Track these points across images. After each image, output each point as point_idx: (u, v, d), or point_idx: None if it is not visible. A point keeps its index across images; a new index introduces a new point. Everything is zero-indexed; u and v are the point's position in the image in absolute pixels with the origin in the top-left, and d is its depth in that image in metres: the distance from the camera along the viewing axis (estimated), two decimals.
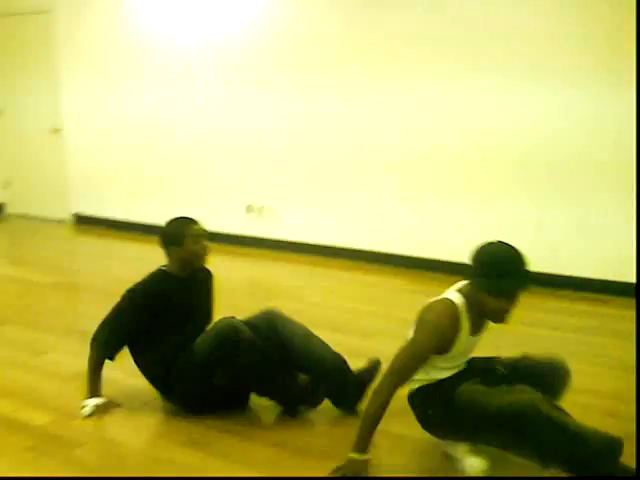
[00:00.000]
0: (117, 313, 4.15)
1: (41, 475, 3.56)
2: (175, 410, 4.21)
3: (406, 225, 7.05)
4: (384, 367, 3.57)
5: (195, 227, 4.25)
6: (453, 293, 3.41)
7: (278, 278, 6.98)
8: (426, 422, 3.56)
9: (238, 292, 6.46)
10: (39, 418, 4.15)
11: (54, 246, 8.18)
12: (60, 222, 9.54)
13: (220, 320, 4.10)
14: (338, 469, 3.31)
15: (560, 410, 3.19)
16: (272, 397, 4.16)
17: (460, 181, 6.73)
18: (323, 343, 4.28)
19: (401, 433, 3.83)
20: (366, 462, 3.29)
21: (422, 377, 3.51)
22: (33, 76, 9.61)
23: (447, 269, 6.62)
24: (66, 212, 9.54)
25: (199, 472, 3.56)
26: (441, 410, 3.45)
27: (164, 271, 4.27)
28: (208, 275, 4.48)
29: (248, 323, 4.16)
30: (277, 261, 7.50)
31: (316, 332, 5.30)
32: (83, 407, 4.13)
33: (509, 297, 3.21)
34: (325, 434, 3.94)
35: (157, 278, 4.23)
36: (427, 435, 3.62)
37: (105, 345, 4.15)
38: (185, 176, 8.45)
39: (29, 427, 4.06)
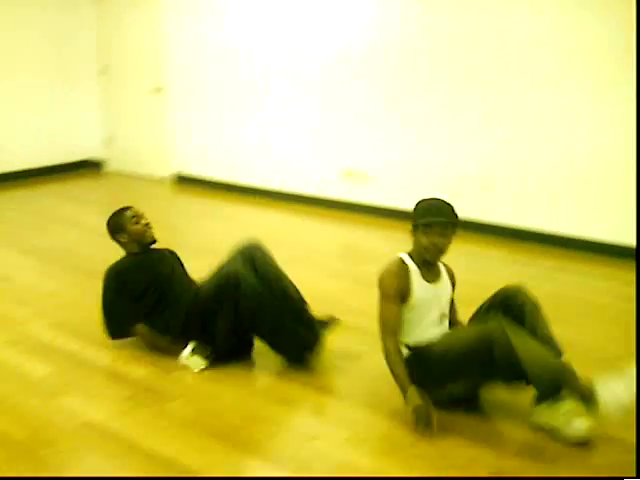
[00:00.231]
0: (103, 299, 4.52)
1: (137, 424, 3.69)
2: (271, 368, 4.30)
3: (511, 194, 6.98)
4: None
5: (128, 212, 4.63)
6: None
7: (371, 243, 7.00)
8: (422, 386, 3.66)
9: (331, 256, 6.52)
10: (137, 370, 4.30)
11: (153, 204, 8.31)
12: (160, 181, 9.71)
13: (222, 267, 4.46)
14: (417, 419, 3.53)
15: (524, 334, 3.59)
16: (275, 344, 4.34)
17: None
18: (291, 284, 4.61)
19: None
20: (426, 403, 3.56)
21: (407, 341, 3.84)
22: (137, 34, 9.77)
23: (556, 242, 6.60)
24: (167, 171, 9.71)
25: (292, 429, 3.64)
26: (423, 369, 3.71)
27: (125, 256, 4.68)
28: (171, 252, 4.82)
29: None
30: (371, 226, 7.51)
31: None
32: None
33: (428, 228, 3.78)
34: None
35: (120, 261, 4.64)
36: None
37: (108, 329, 4.54)
38: (283, 139, 8.51)
39: (128, 378, 4.21)
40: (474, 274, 5.77)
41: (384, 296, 3.84)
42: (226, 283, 4.22)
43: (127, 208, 4.68)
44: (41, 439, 3.55)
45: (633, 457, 3.32)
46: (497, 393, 3.83)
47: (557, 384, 3.50)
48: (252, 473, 3.30)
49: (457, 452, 3.44)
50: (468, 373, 3.66)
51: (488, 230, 7.04)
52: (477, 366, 3.60)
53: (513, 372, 3.51)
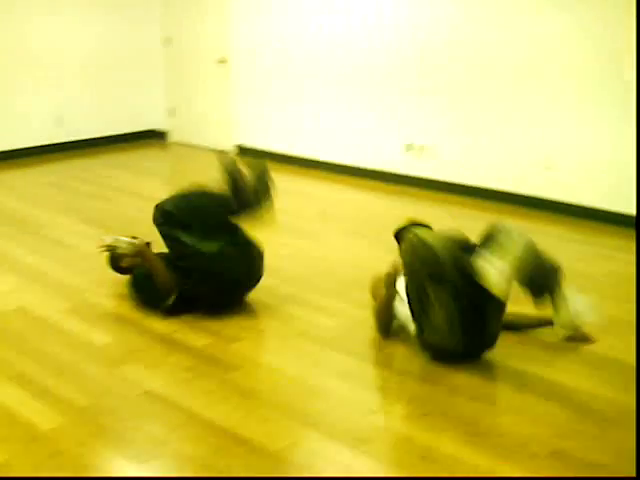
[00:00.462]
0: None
1: (197, 394, 3.71)
2: (331, 341, 4.30)
3: (578, 170, 6.86)
4: None
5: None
6: None
7: (433, 219, 6.91)
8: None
9: (391, 230, 6.46)
10: (198, 340, 4.33)
11: (215, 175, 8.35)
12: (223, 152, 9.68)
13: None
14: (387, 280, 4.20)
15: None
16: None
17: None
18: None
19: None
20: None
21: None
22: (202, 5, 9.77)
23: (609, 219, 6.49)
24: (229, 142, 9.72)
25: (351, 403, 3.63)
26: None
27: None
28: None
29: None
30: (433, 201, 7.44)
31: None
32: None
33: None
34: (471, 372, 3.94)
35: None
36: None
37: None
38: (346, 113, 8.47)
39: (189, 348, 4.24)
40: None
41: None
42: None
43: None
44: (103, 407, 3.59)
45: None
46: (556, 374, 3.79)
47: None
48: (310, 445, 3.29)
49: (515, 430, 3.41)
50: (418, 281, 3.89)
51: (549, 207, 6.93)
52: (423, 272, 3.87)
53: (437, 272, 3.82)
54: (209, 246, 4.54)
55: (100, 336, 4.35)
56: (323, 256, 5.26)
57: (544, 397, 3.70)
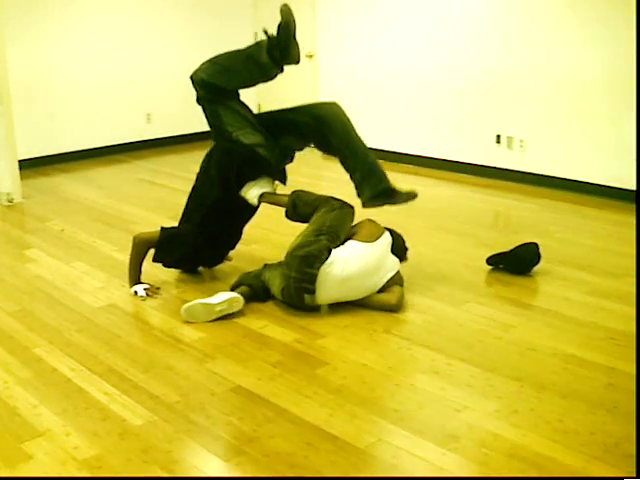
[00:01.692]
0: None
1: (285, 390, 3.73)
2: (418, 337, 4.28)
3: None
4: None
5: None
6: None
7: (523, 212, 6.85)
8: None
9: (481, 224, 6.41)
10: (285, 336, 4.34)
11: (302, 170, 8.36)
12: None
13: None
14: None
15: None
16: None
17: None
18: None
19: None
20: None
21: None
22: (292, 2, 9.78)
23: None
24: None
25: (439, 400, 3.60)
26: None
27: None
28: None
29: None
30: (523, 194, 7.34)
31: (561, 270, 5.24)
32: None
33: None
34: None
35: None
36: None
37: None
38: (435, 106, 8.41)
39: (276, 344, 4.26)
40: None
41: None
42: None
43: None
44: (192, 402, 3.63)
45: None
46: None
47: None
48: (398, 443, 3.27)
49: (607, 429, 3.34)
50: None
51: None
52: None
53: None
54: (248, 138, 4.87)
55: (189, 332, 4.40)
56: (410, 251, 5.21)
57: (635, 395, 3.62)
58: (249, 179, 4.94)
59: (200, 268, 5.32)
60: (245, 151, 4.88)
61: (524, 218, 6.64)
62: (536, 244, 5.22)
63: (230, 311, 4.53)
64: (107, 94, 9.35)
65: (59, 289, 5.12)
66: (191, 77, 4.89)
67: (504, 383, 3.75)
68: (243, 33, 10.12)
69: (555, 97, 7.33)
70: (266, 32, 4.83)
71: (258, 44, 4.89)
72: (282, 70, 4.93)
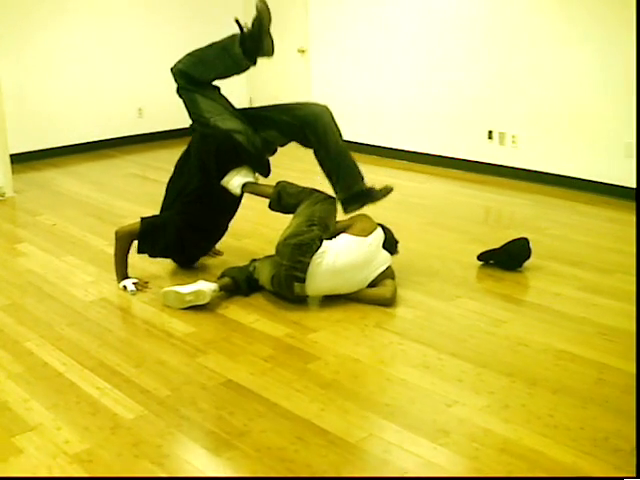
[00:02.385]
0: None
1: (277, 385, 3.73)
2: (409, 332, 4.28)
3: None
4: None
5: None
6: None
7: (514, 207, 6.86)
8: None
9: (472, 219, 6.41)
10: (277, 331, 4.35)
11: (295, 166, 8.36)
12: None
13: None
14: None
15: None
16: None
17: None
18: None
19: None
20: None
21: None
22: None
23: None
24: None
25: (430, 395, 3.61)
26: None
27: None
28: None
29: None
30: (515, 190, 7.34)
31: (552, 265, 5.26)
32: None
33: None
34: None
35: None
36: None
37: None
38: (427, 102, 8.40)
39: (268, 338, 4.26)
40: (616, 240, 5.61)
41: None
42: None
43: None
44: (183, 397, 3.63)
45: None
46: None
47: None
48: (389, 438, 3.27)
49: (597, 424, 3.34)
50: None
51: (633, 196, 6.76)
52: None
53: None
54: (225, 123, 4.91)
55: (180, 326, 4.40)
56: (401, 246, 5.21)
57: (626, 391, 3.62)
58: (230, 168, 4.94)
59: (196, 264, 5.32)
60: (222, 136, 4.91)
61: (515, 214, 6.65)
62: (527, 240, 5.23)
63: (198, 302, 4.56)
64: (98, 89, 9.32)
65: (50, 283, 5.11)
66: (171, 69, 5.02)
67: (495, 378, 3.76)
68: (234, 29, 10.08)
69: (547, 93, 7.33)
70: (238, 22, 4.90)
71: (233, 36, 4.94)
72: (254, 63, 4.99)
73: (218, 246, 5.47)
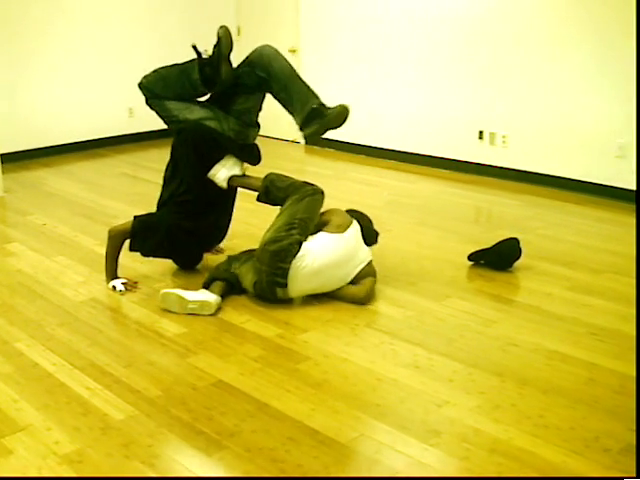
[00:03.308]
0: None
1: (267, 385, 3.73)
2: (399, 332, 4.28)
3: None
4: None
5: None
6: None
7: (505, 207, 6.86)
8: None
9: (463, 219, 6.42)
10: (267, 331, 4.34)
11: (282, 165, 8.37)
12: (292, 142, 9.70)
13: None
14: None
15: None
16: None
17: None
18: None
19: None
20: None
21: None
22: None
23: None
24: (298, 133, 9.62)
25: (420, 395, 3.61)
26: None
27: None
28: None
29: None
30: (505, 190, 7.35)
31: (542, 265, 5.27)
32: None
33: None
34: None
35: None
36: None
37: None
38: (418, 101, 8.39)
39: (258, 339, 4.26)
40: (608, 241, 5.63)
41: None
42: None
43: None
44: (173, 397, 3.63)
45: None
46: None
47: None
48: (380, 438, 3.27)
49: (587, 424, 3.35)
50: None
51: (621, 196, 6.78)
52: None
53: None
54: (194, 114, 4.97)
55: (171, 326, 4.39)
56: (391, 246, 5.24)
57: (616, 391, 3.64)
58: (214, 160, 4.95)
59: (198, 266, 5.32)
60: (194, 126, 4.93)
61: (506, 214, 6.66)
62: (517, 240, 5.24)
63: (200, 312, 4.53)
64: (89, 88, 9.29)
65: (40, 283, 5.10)
66: (138, 84, 5.10)
67: (486, 378, 3.77)
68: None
69: (538, 93, 7.34)
70: (195, 48, 4.95)
71: (193, 60, 4.96)
72: (211, 90, 5.04)
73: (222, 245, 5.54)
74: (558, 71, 7.15)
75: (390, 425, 3.37)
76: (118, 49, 9.45)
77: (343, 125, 4.91)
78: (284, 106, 5.00)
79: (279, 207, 4.81)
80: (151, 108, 5.16)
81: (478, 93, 7.82)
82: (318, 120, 4.87)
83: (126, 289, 4.89)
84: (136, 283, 5.00)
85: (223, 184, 4.90)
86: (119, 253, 4.96)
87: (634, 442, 3.18)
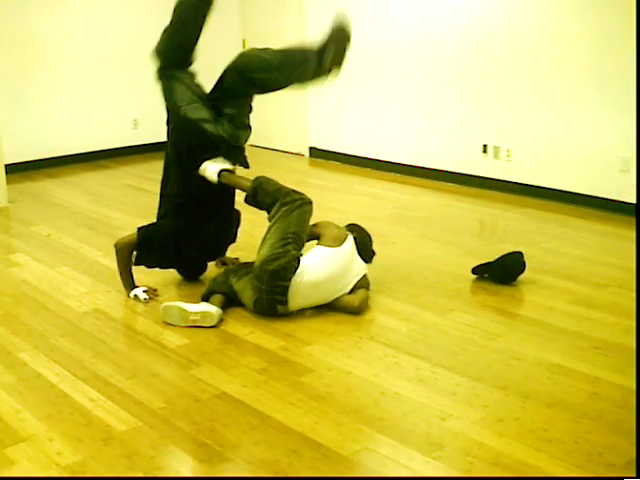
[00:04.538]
0: None
1: (270, 397, 3.72)
2: (403, 345, 4.28)
3: None
4: None
5: None
6: None
7: (508, 221, 6.86)
8: None
9: (466, 233, 6.41)
10: (271, 343, 4.34)
11: (286, 177, 8.38)
12: (296, 155, 9.74)
13: None
14: None
15: None
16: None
17: None
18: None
19: None
20: None
21: None
22: (278, 6, 9.85)
23: None
24: (303, 145, 9.71)
25: (424, 408, 3.61)
26: None
27: None
28: None
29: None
30: (509, 204, 7.34)
31: (546, 279, 5.26)
32: None
33: None
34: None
35: None
36: None
37: None
38: (422, 115, 8.41)
39: (262, 351, 4.25)
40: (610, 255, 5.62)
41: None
42: None
43: None
44: (176, 409, 3.63)
45: None
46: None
47: None
48: (383, 451, 3.27)
49: (591, 438, 3.35)
50: None
51: (625, 210, 6.77)
52: None
53: None
54: (195, 113, 4.92)
55: (174, 338, 4.40)
56: (395, 259, 5.24)
57: (619, 405, 3.63)
58: (205, 158, 4.95)
59: (202, 277, 5.32)
60: (190, 126, 4.92)
61: (510, 227, 6.65)
62: (521, 253, 5.23)
63: (202, 324, 4.52)
64: (94, 99, 9.32)
65: (44, 294, 5.10)
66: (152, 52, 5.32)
67: (489, 392, 3.76)
68: (232, 39, 10.13)
69: (542, 108, 7.35)
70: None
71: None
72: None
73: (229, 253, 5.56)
74: (562, 85, 7.15)
75: (393, 438, 3.36)
76: (123, 61, 9.47)
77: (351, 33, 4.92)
78: (299, 83, 5.10)
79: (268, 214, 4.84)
80: (159, 81, 5.18)
81: (482, 107, 7.83)
82: (337, 54, 4.90)
83: (149, 297, 4.90)
84: (156, 290, 5.01)
85: (213, 177, 4.87)
86: (130, 264, 4.97)
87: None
